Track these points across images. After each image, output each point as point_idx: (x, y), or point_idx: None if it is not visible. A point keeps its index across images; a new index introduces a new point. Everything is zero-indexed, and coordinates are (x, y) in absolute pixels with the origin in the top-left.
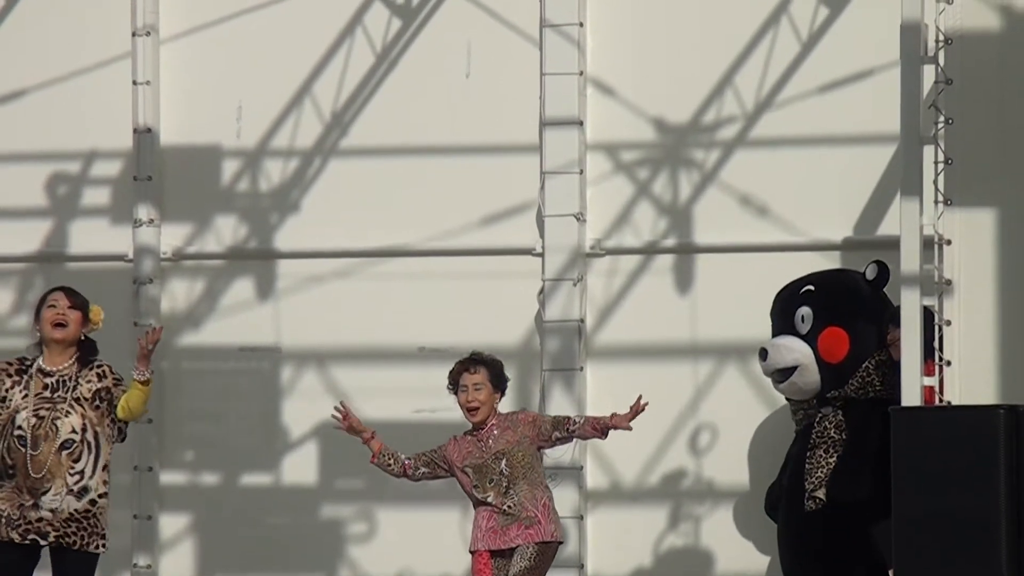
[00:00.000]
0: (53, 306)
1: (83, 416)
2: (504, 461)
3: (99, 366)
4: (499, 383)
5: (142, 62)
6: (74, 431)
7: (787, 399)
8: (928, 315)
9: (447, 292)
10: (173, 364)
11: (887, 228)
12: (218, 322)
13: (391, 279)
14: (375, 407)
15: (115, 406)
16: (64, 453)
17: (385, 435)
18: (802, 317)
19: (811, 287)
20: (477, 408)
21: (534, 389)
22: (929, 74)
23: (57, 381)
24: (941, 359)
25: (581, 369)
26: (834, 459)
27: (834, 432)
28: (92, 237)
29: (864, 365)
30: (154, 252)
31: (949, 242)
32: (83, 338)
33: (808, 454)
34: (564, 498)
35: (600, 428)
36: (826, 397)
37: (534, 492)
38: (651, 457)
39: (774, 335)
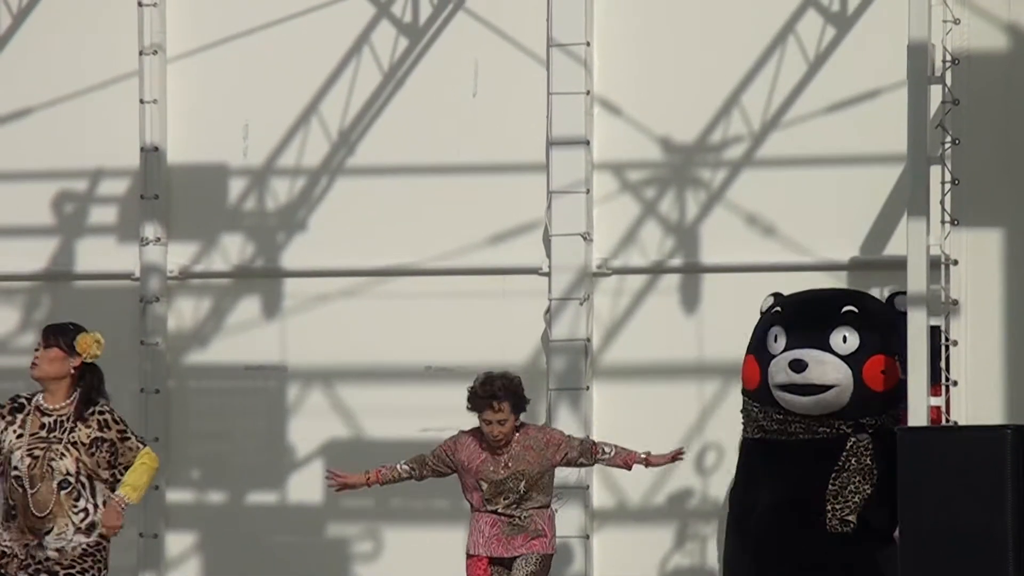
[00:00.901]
0: (36, 348)
1: (77, 460)
2: (524, 482)
3: (102, 412)
4: (519, 408)
5: (149, 81)
6: (68, 473)
7: (781, 411)
8: (935, 335)
9: (454, 311)
10: (179, 383)
11: (894, 248)
12: (224, 341)
13: (398, 298)
14: (381, 426)
15: (119, 462)
16: (63, 493)
17: (392, 455)
18: (844, 338)
19: (854, 309)
20: (501, 439)
21: (540, 408)
22: (936, 94)
23: (55, 421)
24: (948, 379)
25: (587, 388)
26: (869, 488)
27: (869, 460)
28: (99, 256)
29: (899, 407)
30: (161, 271)
31: (956, 262)
32: (77, 372)
33: (834, 476)
34: (570, 517)
35: (630, 462)
36: (860, 423)
37: (544, 507)
38: (657, 477)
39: (792, 344)
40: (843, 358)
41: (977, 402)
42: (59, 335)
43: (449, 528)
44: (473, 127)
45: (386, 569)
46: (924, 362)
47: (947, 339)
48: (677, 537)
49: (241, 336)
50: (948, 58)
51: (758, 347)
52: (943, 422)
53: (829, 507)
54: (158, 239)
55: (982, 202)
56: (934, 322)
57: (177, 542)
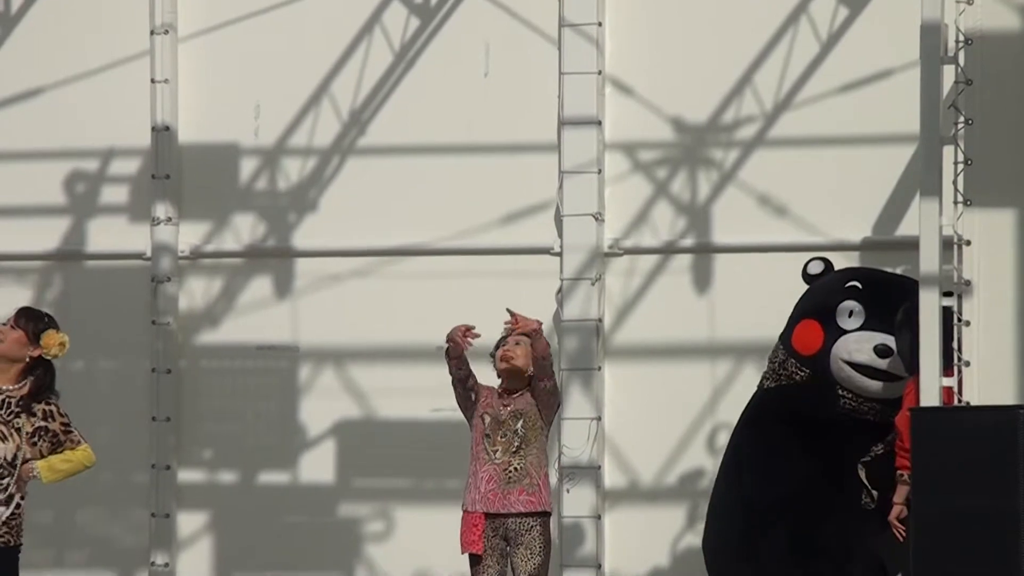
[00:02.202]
0: (4, 323)
1: (18, 447)
2: (521, 422)
3: (48, 404)
4: (539, 358)
5: (160, 60)
6: (4, 457)
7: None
8: (947, 316)
9: (465, 291)
10: (191, 363)
11: (906, 228)
12: (236, 320)
13: (409, 278)
14: (393, 406)
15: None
16: None
17: (404, 434)
18: None
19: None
20: (512, 358)
21: None
22: (949, 74)
23: (2, 401)
24: (960, 360)
25: (599, 368)
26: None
27: None
28: (110, 235)
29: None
30: (172, 250)
31: (968, 242)
32: (33, 361)
33: (874, 455)
34: (582, 498)
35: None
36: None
37: (540, 459)
38: (669, 457)
39: (868, 326)
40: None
41: (989, 382)
42: (31, 322)
43: (460, 508)
44: (484, 107)
45: (397, 549)
46: (936, 343)
47: (959, 319)
48: (689, 517)
49: (252, 316)
50: (961, 38)
51: (825, 317)
52: (955, 403)
53: (865, 483)
54: (169, 219)
55: (995, 182)
56: (946, 303)
57: (189, 522)
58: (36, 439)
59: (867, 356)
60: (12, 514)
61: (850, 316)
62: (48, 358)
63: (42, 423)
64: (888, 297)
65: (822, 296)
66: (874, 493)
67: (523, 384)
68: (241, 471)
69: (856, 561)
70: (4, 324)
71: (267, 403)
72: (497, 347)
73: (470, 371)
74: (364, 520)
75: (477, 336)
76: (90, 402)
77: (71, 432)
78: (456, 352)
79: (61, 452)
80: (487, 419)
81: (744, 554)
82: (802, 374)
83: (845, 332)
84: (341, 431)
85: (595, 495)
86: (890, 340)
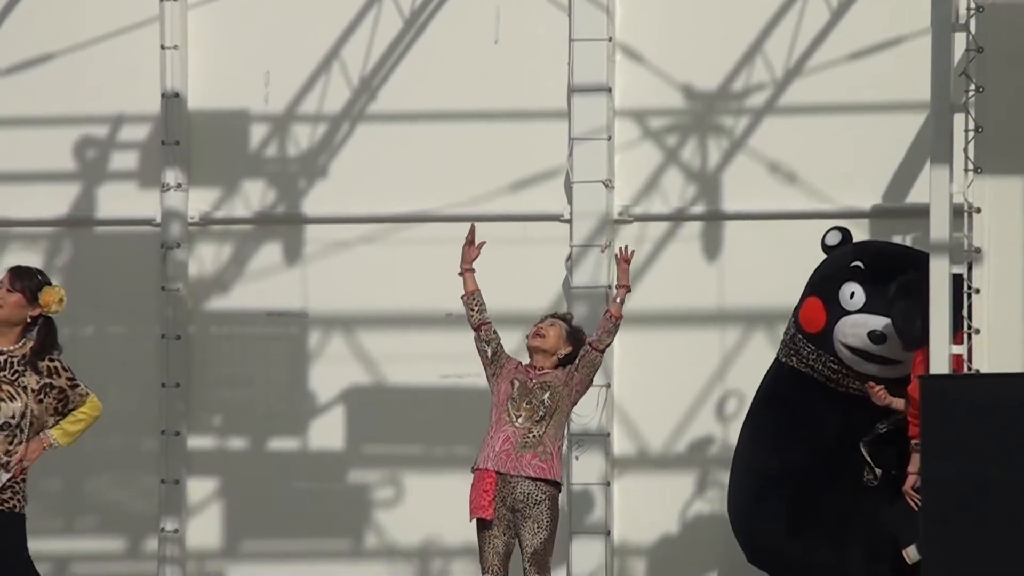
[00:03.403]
0: None
1: (26, 406)
2: (548, 394)
3: (52, 361)
4: (572, 338)
5: (170, 26)
6: (12, 416)
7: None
8: (957, 283)
9: None
10: (201, 329)
11: (916, 196)
12: (246, 287)
13: (419, 244)
14: (402, 372)
15: (68, 409)
16: (2, 434)
17: (413, 401)
18: None
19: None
20: (543, 336)
21: None
22: (960, 42)
23: (5, 360)
24: (970, 327)
25: None
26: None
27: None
28: (120, 201)
29: None
30: (182, 217)
31: (979, 210)
32: (33, 320)
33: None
34: (591, 464)
35: (615, 313)
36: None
37: (557, 433)
38: (678, 424)
39: (870, 307)
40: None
41: (999, 350)
42: (25, 280)
43: (470, 476)
44: (494, 74)
45: (407, 515)
46: (946, 310)
47: (969, 287)
48: (697, 484)
49: (262, 282)
50: (972, 5)
51: (828, 295)
52: (965, 370)
53: (867, 459)
54: (179, 185)
55: (1006, 150)
56: (956, 270)
57: (198, 488)
58: (43, 396)
59: (861, 341)
60: (13, 476)
61: (851, 297)
62: (48, 315)
63: (48, 380)
64: (891, 278)
65: (829, 273)
66: (876, 471)
67: (550, 364)
68: (250, 437)
69: (854, 536)
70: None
71: (276, 369)
72: (537, 324)
73: (482, 321)
74: (373, 486)
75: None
76: (100, 368)
77: (77, 386)
78: (468, 259)
79: (70, 408)
80: (516, 384)
81: (749, 523)
82: (808, 350)
83: (847, 313)
84: (350, 397)
85: (604, 462)
86: (886, 325)
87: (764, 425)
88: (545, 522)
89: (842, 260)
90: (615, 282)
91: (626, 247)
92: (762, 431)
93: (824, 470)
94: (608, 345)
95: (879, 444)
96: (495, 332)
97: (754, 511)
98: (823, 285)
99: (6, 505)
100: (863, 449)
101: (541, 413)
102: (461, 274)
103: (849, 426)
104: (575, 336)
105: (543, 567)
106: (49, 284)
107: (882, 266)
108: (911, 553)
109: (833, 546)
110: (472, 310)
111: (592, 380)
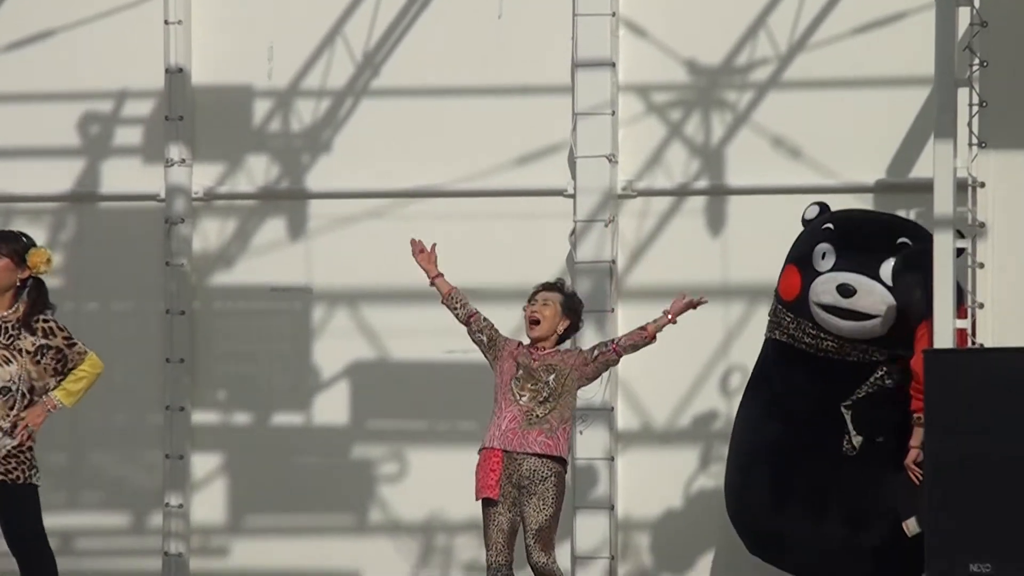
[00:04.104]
0: None
1: (22, 367)
2: (553, 376)
3: (46, 320)
4: (569, 311)
5: (174, 1)
6: (11, 379)
7: (816, 327)
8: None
9: (479, 233)
10: (205, 304)
11: (920, 171)
12: (250, 262)
13: (422, 219)
14: (406, 347)
15: (68, 369)
16: (1, 399)
17: (417, 376)
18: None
19: (909, 241)
20: (538, 322)
21: None
22: (964, 16)
23: (0, 325)
24: (974, 302)
25: (612, 310)
26: (889, 415)
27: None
28: (124, 177)
29: None
30: (186, 192)
31: (983, 184)
32: (23, 283)
33: (857, 398)
34: (595, 439)
35: (653, 332)
36: (896, 354)
37: (564, 415)
38: (682, 399)
39: (840, 266)
40: (891, 289)
41: (1003, 324)
42: (11, 244)
43: (475, 450)
44: (498, 48)
45: (411, 491)
46: (950, 284)
47: (973, 261)
48: (701, 459)
49: (266, 257)
50: None
51: (802, 260)
52: (969, 344)
53: (849, 426)
54: (183, 160)
55: (1010, 124)
56: (960, 244)
57: (202, 463)
58: (39, 357)
59: (831, 297)
60: (20, 445)
61: (823, 258)
62: (37, 276)
63: (43, 341)
64: (859, 234)
65: (803, 240)
66: (855, 439)
67: (551, 343)
68: (255, 412)
69: (832, 508)
70: None
71: (281, 345)
72: (530, 300)
73: (469, 313)
74: (377, 462)
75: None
76: (104, 343)
77: (75, 344)
78: (431, 269)
79: (69, 368)
80: (519, 365)
81: (736, 507)
82: (788, 319)
83: (819, 274)
84: (355, 372)
85: (608, 437)
86: (853, 278)
87: (749, 406)
88: (550, 499)
89: (815, 226)
90: (669, 309)
91: (701, 297)
92: (747, 411)
93: (802, 442)
94: (628, 354)
95: (861, 408)
96: (485, 319)
97: (739, 495)
98: (796, 251)
99: (10, 476)
100: (844, 413)
101: (545, 394)
102: (432, 284)
103: (830, 394)
104: (571, 306)
105: (547, 545)
106: (34, 245)
107: (849, 225)
108: (911, 526)
109: (810, 518)
110: (455, 310)
111: (602, 374)
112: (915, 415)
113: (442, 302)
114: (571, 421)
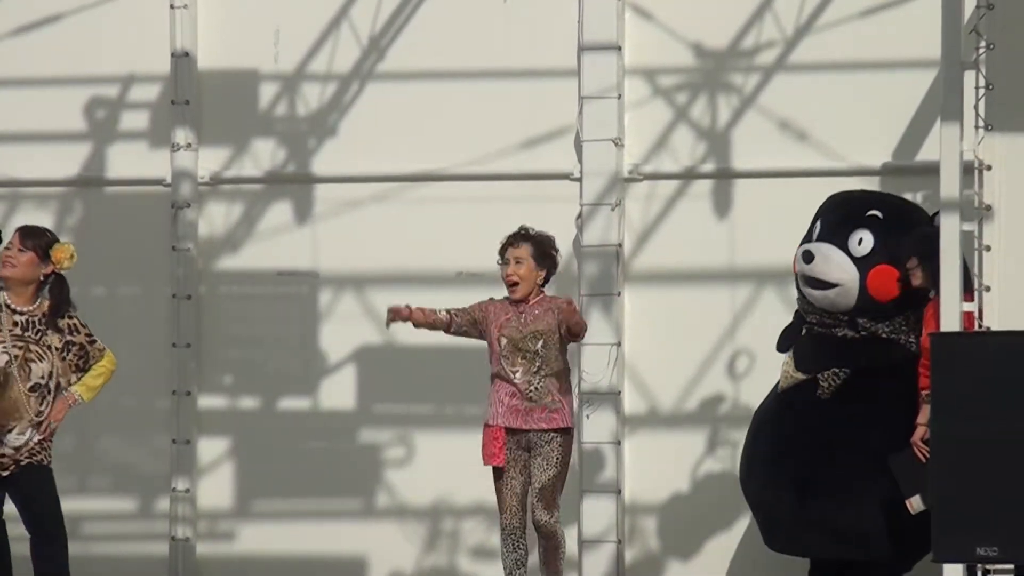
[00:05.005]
0: (8, 247)
1: (52, 364)
2: (541, 342)
3: (71, 318)
4: (543, 260)
5: None
6: (43, 377)
7: (803, 298)
8: (968, 240)
9: (485, 216)
10: (211, 288)
11: (927, 153)
12: (256, 246)
13: (429, 203)
14: (413, 331)
15: (88, 365)
16: (33, 396)
17: (421, 359)
18: (860, 240)
19: (878, 214)
20: (516, 284)
21: None
22: None
23: (27, 321)
24: (980, 285)
25: (619, 294)
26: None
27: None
28: (130, 161)
29: (906, 314)
30: (192, 176)
31: (989, 167)
32: (45, 279)
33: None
34: (602, 423)
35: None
36: (857, 322)
37: (561, 376)
38: (689, 382)
39: (820, 236)
40: (855, 260)
41: (1010, 307)
42: (36, 239)
43: (480, 434)
44: (504, 32)
45: (417, 475)
46: (957, 267)
47: (980, 244)
48: (708, 443)
49: (272, 242)
50: None
51: (805, 236)
52: (976, 328)
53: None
54: (189, 145)
55: (1016, 107)
56: (967, 227)
57: (209, 448)
58: (65, 353)
59: (798, 264)
60: (44, 437)
61: (815, 231)
62: (60, 272)
63: (69, 337)
64: (837, 208)
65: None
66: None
67: (535, 295)
68: (262, 397)
69: (788, 464)
70: (8, 248)
71: (287, 329)
72: (502, 254)
73: (452, 324)
74: (384, 446)
75: (405, 316)
76: (111, 328)
77: (95, 341)
78: (427, 320)
79: (89, 364)
80: (503, 342)
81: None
82: (797, 292)
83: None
84: (361, 357)
85: (615, 420)
86: (815, 245)
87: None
88: (555, 459)
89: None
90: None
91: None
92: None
93: (778, 406)
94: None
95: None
96: (456, 313)
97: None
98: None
99: (36, 458)
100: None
101: (537, 364)
102: (420, 327)
103: (817, 359)
104: (543, 252)
105: (550, 504)
106: (58, 241)
107: (840, 200)
108: (915, 503)
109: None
110: (433, 327)
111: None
112: (922, 392)
113: (450, 333)
114: (566, 372)
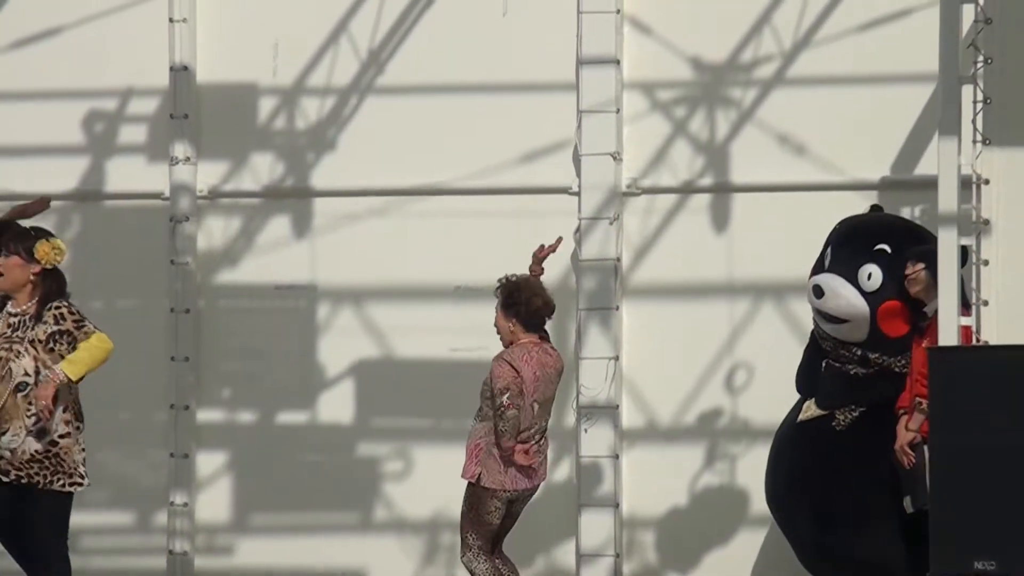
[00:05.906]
0: None
1: (35, 359)
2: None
3: (58, 307)
4: (511, 308)
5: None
6: (27, 374)
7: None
8: (966, 255)
9: (483, 230)
10: (210, 302)
11: (925, 168)
12: (254, 260)
13: (427, 217)
14: (411, 345)
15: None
16: (20, 396)
17: (422, 374)
18: (869, 275)
19: (887, 248)
20: (500, 335)
21: (570, 328)
22: (968, 13)
23: (19, 321)
24: (978, 299)
25: (617, 308)
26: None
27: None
28: (129, 175)
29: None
30: (190, 190)
31: (987, 181)
32: (37, 277)
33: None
34: (600, 437)
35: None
36: (868, 357)
37: (476, 434)
38: (687, 396)
39: (830, 267)
40: (865, 295)
41: (1008, 322)
42: (19, 242)
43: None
44: (503, 46)
45: (416, 488)
46: (955, 282)
47: (978, 258)
48: (707, 457)
49: (271, 255)
50: None
51: (817, 263)
52: (973, 342)
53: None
54: (188, 158)
55: (1014, 121)
56: (965, 242)
57: (208, 462)
58: (52, 344)
59: (809, 297)
60: (47, 451)
61: (825, 259)
62: (52, 266)
63: (56, 327)
64: (848, 239)
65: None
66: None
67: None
68: (260, 411)
69: (872, 526)
70: None
71: (286, 343)
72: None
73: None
74: (382, 460)
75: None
76: None
77: (84, 326)
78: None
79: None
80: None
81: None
82: (814, 318)
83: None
84: (359, 371)
85: (613, 435)
86: (825, 279)
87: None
88: (465, 495)
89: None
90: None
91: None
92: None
93: (796, 433)
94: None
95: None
96: (509, 398)
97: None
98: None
99: (35, 479)
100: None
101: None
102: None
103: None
104: (508, 303)
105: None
106: (45, 237)
107: (851, 228)
108: (907, 504)
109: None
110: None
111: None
112: (916, 399)
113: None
114: (487, 429)
